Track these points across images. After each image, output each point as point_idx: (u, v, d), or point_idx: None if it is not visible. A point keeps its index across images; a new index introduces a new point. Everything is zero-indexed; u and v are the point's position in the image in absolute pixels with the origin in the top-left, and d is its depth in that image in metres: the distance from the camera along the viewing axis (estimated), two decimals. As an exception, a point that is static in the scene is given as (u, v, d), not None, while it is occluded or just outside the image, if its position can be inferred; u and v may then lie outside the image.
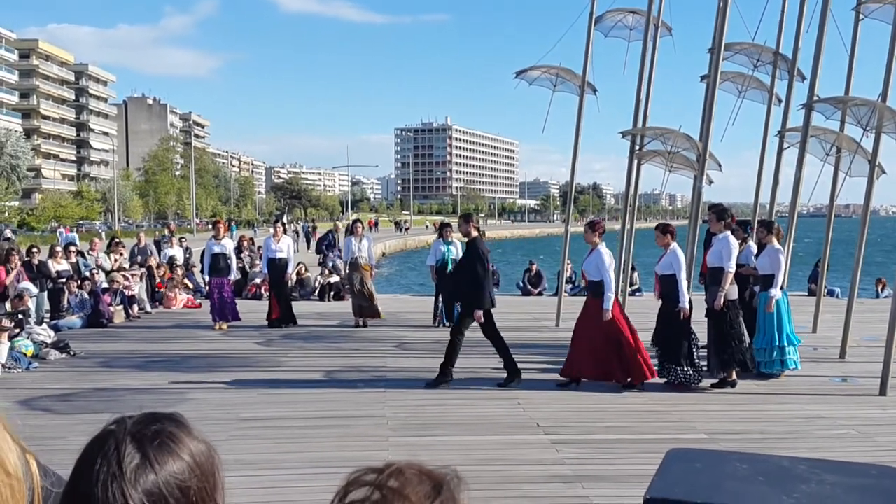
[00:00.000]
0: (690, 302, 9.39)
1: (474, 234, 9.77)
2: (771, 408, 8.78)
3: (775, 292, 10.15)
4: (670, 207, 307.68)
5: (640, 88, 14.58)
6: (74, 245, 18.86)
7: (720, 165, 13.37)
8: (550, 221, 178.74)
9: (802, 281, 22.33)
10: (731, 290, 9.58)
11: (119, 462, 1.09)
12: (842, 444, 7.34)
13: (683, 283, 9.37)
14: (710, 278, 9.76)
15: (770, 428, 7.89)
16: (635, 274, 19.80)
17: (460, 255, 15.28)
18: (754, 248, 11.10)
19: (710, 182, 12.46)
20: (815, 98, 12.65)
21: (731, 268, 9.48)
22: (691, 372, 9.38)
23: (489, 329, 9.71)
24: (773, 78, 14.86)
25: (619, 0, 15.02)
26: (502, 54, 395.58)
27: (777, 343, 10.15)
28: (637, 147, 13.82)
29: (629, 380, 9.46)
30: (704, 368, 9.56)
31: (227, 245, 14.98)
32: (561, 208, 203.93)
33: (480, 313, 9.49)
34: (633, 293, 18.57)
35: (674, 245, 9.56)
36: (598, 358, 9.42)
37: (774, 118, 14.96)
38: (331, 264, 20.77)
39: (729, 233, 9.73)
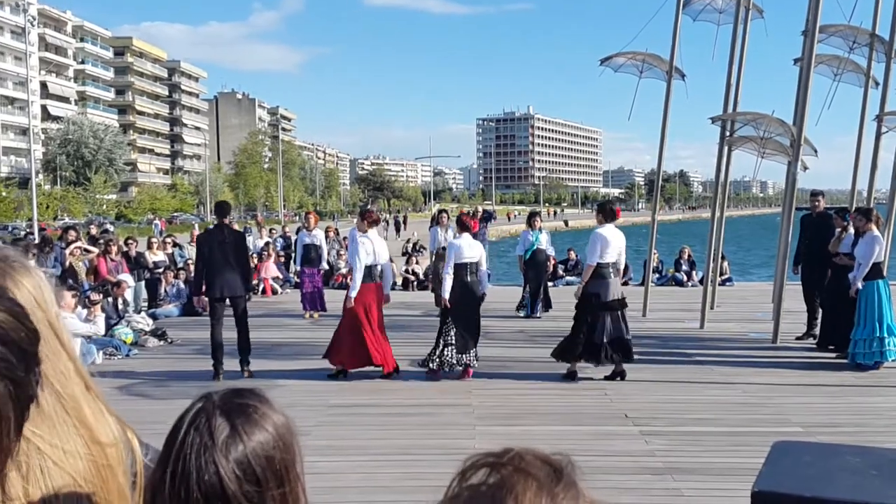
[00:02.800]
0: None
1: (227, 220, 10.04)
2: (869, 400, 8.49)
3: (856, 275, 9.87)
4: (761, 195, 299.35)
5: (730, 73, 14.20)
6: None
7: (815, 151, 12.93)
8: (635, 210, 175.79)
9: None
10: (594, 284, 9.11)
11: (211, 433, 1.15)
12: (947, 440, 7.03)
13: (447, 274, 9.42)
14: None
15: (868, 421, 7.63)
16: (725, 263, 19.32)
17: (549, 245, 15.27)
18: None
19: (805, 168, 12.07)
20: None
21: (593, 261, 9.09)
22: (436, 359, 9.35)
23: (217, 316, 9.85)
24: (869, 60, 14.27)
25: (709, -17, 14.62)
26: (586, 42, 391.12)
27: (877, 334, 9.79)
28: (728, 133, 13.47)
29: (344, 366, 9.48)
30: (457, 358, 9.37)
31: (319, 236, 15.28)
32: (646, 197, 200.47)
33: (205, 300, 9.54)
34: (723, 283, 18.13)
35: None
36: (348, 345, 9.45)
37: (872, 101, 14.37)
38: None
39: (608, 227, 9.28)
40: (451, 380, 9.39)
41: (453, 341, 9.34)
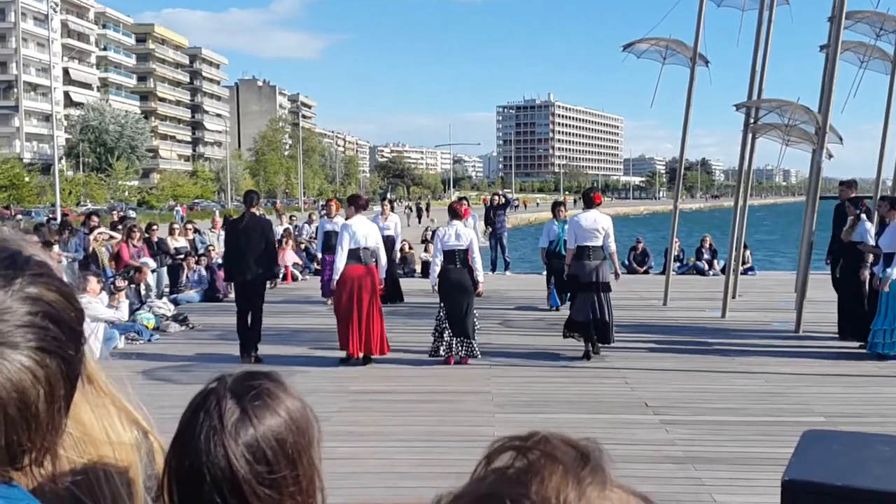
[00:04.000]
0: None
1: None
2: (892, 391, 8.38)
3: (892, 271, 9.67)
4: (784, 183, 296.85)
5: (755, 59, 14.04)
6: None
7: (841, 139, 12.78)
8: (656, 199, 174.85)
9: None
10: (573, 266, 9.73)
11: (220, 417, 1.15)
12: (973, 432, 6.94)
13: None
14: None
15: (891, 411, 7.54)
16: (748, 252, 19.17)
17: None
18: (869, 226, 10.59)
19: (830, 156, 11.92)
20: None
21: (570, 246, 9.81)
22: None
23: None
24: (897, 47, 14.07)
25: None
26: (608, 29, 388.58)
27: (898, 324, 9.66)
28: (752, 120, 13.34)
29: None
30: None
31: (339, 223, 15.28)
32: (667, 185, 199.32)
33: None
34: (745, 272, 17.99)
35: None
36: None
37: (899, 89, 14.17)
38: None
39: (587, 213, 9.84)
40: (470, 367, 9.39)
41: (442, 326, 9.52)
